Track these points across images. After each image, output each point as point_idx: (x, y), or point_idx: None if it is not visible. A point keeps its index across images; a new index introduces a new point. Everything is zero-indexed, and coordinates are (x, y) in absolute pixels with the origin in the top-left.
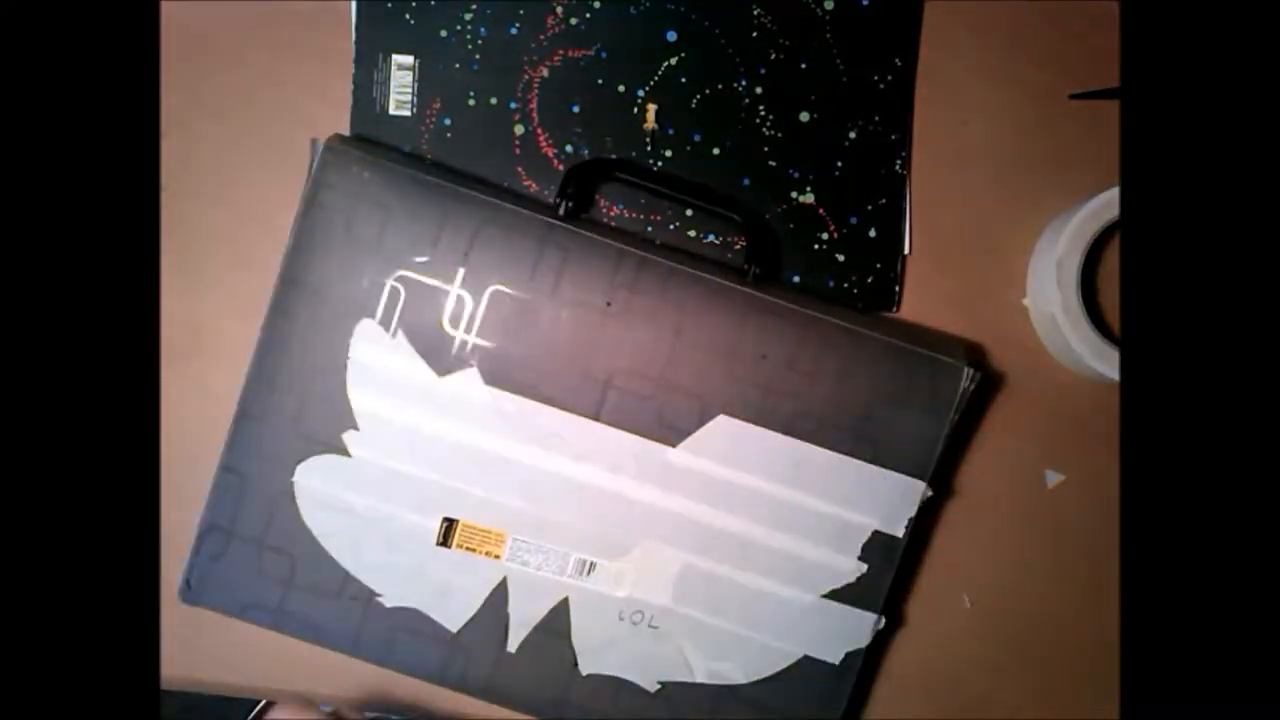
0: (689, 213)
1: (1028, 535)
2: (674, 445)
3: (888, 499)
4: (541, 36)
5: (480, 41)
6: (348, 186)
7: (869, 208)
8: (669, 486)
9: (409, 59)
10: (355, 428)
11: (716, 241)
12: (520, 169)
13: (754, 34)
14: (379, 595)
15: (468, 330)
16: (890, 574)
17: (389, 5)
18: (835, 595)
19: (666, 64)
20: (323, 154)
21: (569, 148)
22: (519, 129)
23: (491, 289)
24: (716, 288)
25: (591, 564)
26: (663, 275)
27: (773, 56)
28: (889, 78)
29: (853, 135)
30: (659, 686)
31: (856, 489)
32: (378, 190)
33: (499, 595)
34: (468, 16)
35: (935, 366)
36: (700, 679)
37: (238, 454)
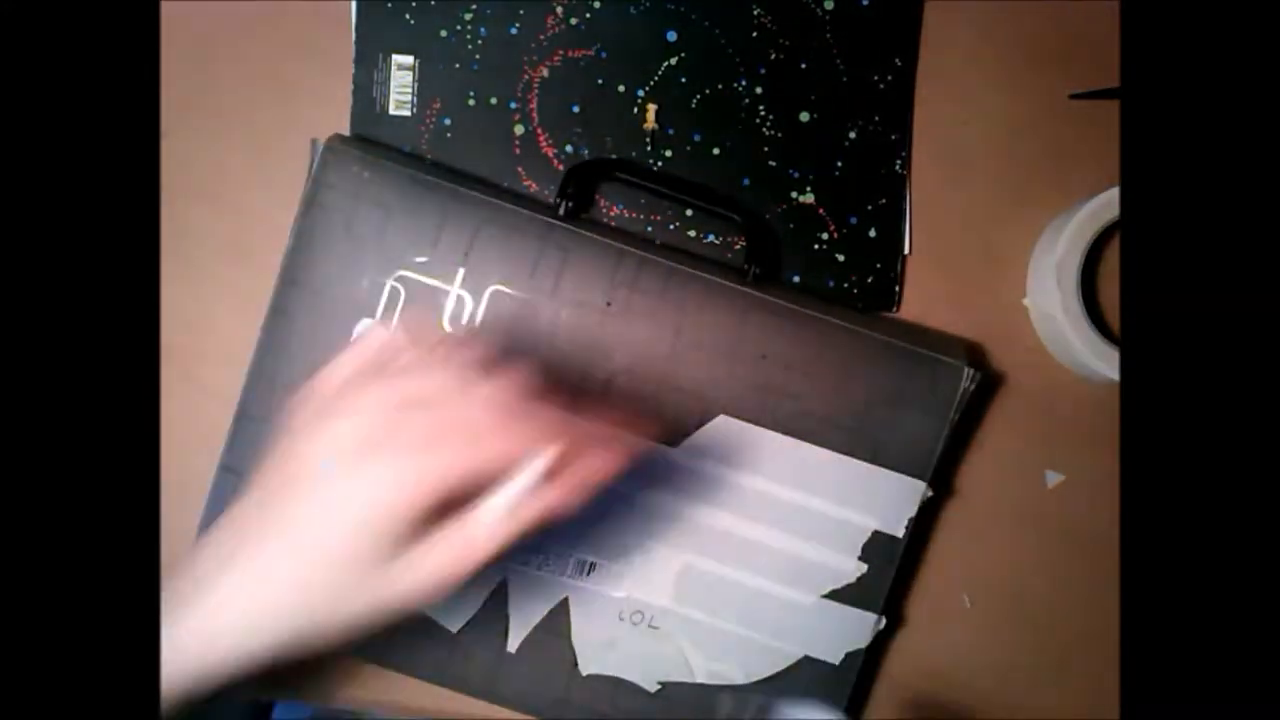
0: (689, 213)
1: (1028, 535)
2: (674, 445)
3: (888, 499)
4: (541, 36)
5: (480, 41)
6: (348, 186)
7: (869, 208)
8: (669, 486)
9: (409, 59)
10: None
11: (716, 241)
12: (520, 169)
13: (754, 34)
14: None
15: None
16: (890, 574)
17: (389, 5)
18: (835, 595)
19: (666, 64)
20: (323, 154)
21: (569, 148)
22: (519, 129)
23: (491, 289)
24: (716, 287)
25: (591, 564)
26: (663, 275)
27: (773, 56)
28: (889, 78)
29: (853, 135)
30: (659, 686)
31: (856, 489)
32: (378, 190)
33: (499, 595)
34: (468, 16)
35: (935, 366)
36: (700, 679)
37: (238, 454)
